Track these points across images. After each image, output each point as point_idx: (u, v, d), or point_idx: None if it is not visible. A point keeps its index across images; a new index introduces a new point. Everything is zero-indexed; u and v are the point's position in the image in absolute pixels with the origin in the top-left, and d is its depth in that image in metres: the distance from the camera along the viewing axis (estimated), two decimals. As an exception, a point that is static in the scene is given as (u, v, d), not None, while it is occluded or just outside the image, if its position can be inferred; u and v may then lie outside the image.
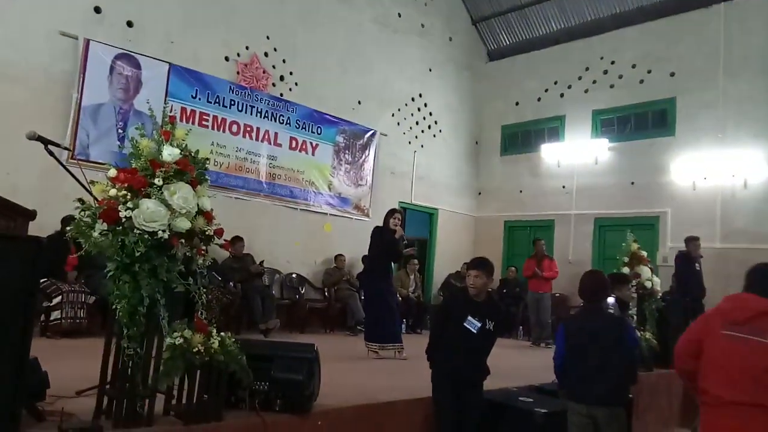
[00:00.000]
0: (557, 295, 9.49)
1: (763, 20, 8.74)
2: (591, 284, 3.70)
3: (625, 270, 6.58)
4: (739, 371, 2.38)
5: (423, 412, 3.88)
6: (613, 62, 10.25)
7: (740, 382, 2.36)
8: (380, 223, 6.41)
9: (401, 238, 6.17)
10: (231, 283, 7.24)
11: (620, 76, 10.14)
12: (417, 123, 10.86)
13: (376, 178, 9.99)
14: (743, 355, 2.38)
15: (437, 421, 3.71)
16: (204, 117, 7.87)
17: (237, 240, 7.37)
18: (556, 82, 10.99)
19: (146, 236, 2.56)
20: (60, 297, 5.57)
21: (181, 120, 7.45)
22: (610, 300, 4.94)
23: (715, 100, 9.02)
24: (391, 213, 6.28)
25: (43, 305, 5.48)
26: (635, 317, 6.32)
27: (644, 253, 6.88)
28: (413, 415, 3.83)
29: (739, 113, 8.80)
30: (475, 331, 3.58)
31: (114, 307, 2.62)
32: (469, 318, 3.58)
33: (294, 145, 8.89)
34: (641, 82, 9.88)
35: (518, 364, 6.44)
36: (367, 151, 9.88)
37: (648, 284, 6.59)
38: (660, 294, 6.81)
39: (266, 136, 8.55)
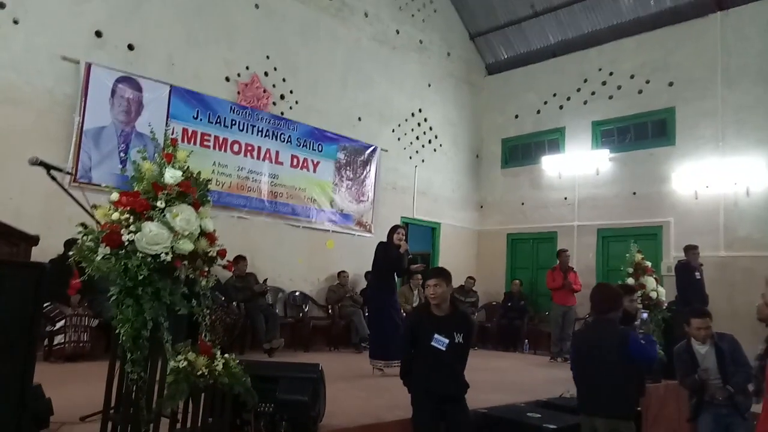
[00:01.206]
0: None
1: (759, 28, 8.79)
2: (598, 297, 3.78)
3: (630, 281, 6.55)
4: None
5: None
6: (611, 73, 10.30)
7: None
8: (383, 239, 6.42)
9: (406, 253, 6.19)
10: (234, 303, 7.21)
11: (619, 87, 10.18)
12: (417, 138, 10.90)
13: (377, 193, 10.00)
14: None
15: None
16: (205, 137, 7.91)
17: (240, 259, 7.37)
18: (555, 95, 11.04)
19: (149, 259, 2.55)
20: (63, 321, 5.56)
21: (183, 141, 7.48)
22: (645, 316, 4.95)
23: (715, 109, 9.04)
24: (395, 229, 6.31)
25: (47, 329, 5.46)
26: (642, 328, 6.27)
27: (648, 264, 6.86)
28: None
29: (739, 121, 8.81)
30: (444, 349, 3.43)
31: (117, 331, 2.61)
32: (436, 336, 3.44)
33: (295, 163, 8.92)
34: (640, 92, 9.91)
35: (524, 379, 6.39)
36: (368, 167, 9.90)
37: (653, 295, 6.55)
38: (665, 304, 6.77)
39: (267, 155, 8.58)
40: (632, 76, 10.02)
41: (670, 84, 9.57)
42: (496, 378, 5.87)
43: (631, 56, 10.09)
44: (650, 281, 6.62)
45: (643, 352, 3.52)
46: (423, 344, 3.50)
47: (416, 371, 3.57)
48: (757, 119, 8.64)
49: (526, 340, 9.69)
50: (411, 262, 6.38)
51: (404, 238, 6.25)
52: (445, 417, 3.52)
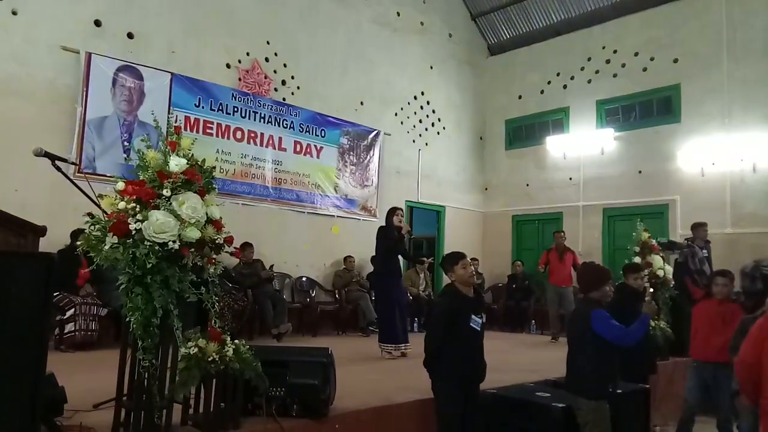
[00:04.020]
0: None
1: (765, 1, 8.65)
2: (579, 277, 3.93)
3: (637, 260, 6.53)
4: None
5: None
6: (615, 51, 10.19)
7: None
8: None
9: (408, 234, 6.20)
10: (239, 285, 7.24)
11: (623, 65, 10.08)
12: (420, 121, 10.84)
13: (381, 178, 9.98)
14: None
15: (441, 428, 3.54)
16: (208, 125, 7.89)
17: (246, 246, 7.39)
18: (558, 74, 10.94)
19: (157, 248, 2.56)
20: (73, 310, 5.61)
21: (186, 129, 7.46)
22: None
23: (720, 85, 8.94)
24: (393, 211, 6.31)
25: (57, 319, 5.51)
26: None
27: (655, 242, 6.83)
28: (430, 415, 3.81)
29: (745, 97, 8.72)
30: (479, 329, 3.55)
31: (128, 319, 2.62)
32: (473, 317, 3.52)
33: (298, 148, 8.89)
34: (644, 69, 9.81)
35: (533, 360, 6.42)
36: (371, 152, 9.87)
37: (660, 273, 6.54)
38: (673, 282, 6.76)
39: (270, 141, 8.56)
40: (636, 54, 9.91)
41: (675, 61, 9.46)
42: (505, 358, 5.89)
43: (635, 33, 9.97)
44: (657, 260, 6.61)
45: (605, 331, 3.42)
46: (460, 327, 3.49)
47: (450, 358, 3.50)
48: (764, 95, 8.54)
49: (533, 321, 9.72)
50: (416, 246, 6.40)
51: (403, 219, 6.28)
52: (466, 401, 3.53)
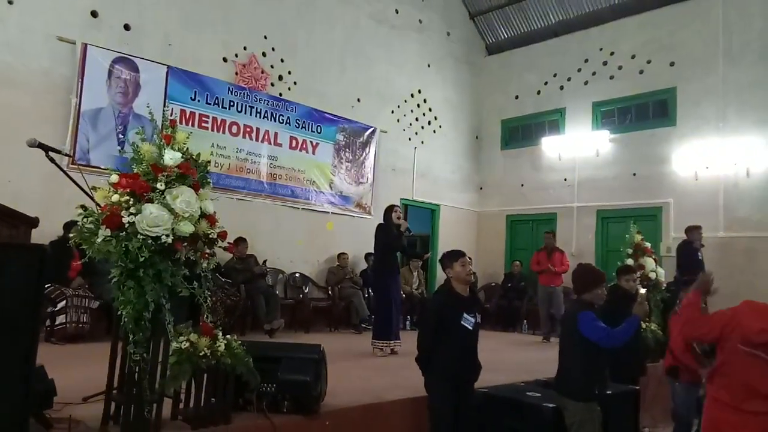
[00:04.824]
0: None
1: (761, 6, 8.69)
2: (573, 278, 3.88)
3: (629, 261, 6.56)
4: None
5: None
6: (612, 53, 10.21)
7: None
8: (381, 221, 6.44)
9: (407, 231, 6.24)
10: (232, 280, 7.23)
11: (620, 67, 10.10)
12: (417, 119, 10.83)
13: (377, 175, 9.97)
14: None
15: (433, 426, 3.55)
16: (203, 119, 7.86)
17: (240, 241, 7.37)
18: (555, 75, 10.95)
19: (150, 241, 2.55)
20: (64, 302, 5.59)
21: (181, 122, 7.42)
22: None
23: (716, 89, 8.98)
24: (392, 208, 6.35)
25: (48, 310, 5.48)
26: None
27: (648, 245, 6.87)
28: (420, 413, 3.82)
29: (740, 101, 8.76)
30: (471, 328, 3.54)
31: (119, 312, 2.61)
32: (465, 315, 3.51)
33: (294, 144, 8.87)
34: (641, 72, 9.84)
35: (525, 359, 6.44)
36: (367, 149, 9.86)
37: (652, 275, 6.57)
38: (665, 285, 6.80)
39: (266, 136, 8.53)
40: (633, 56, 9.93)
41: (672, 64, 9.49)
42: (496, 358, 5.90)
43: (632, 36, 9.99)
44: (649, 262, 6.64)
45: (591, 332, 3.42)
46: (451, 325, 3.50)
47: (441, 355, 3.51)
48: (759, 99, 8.58)
49: (525, 321, 9.75)
50: (412, 242, 6.43)
51: (401, 216, 6.31)
52: (459, 400, 3.53)
